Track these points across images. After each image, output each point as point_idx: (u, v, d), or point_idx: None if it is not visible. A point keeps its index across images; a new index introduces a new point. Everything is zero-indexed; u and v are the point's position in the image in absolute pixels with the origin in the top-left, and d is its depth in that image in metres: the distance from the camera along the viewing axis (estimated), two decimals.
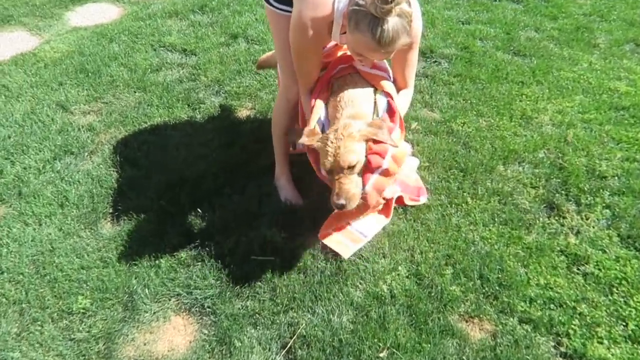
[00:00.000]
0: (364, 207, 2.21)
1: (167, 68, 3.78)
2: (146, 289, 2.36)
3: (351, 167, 2.10)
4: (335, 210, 2.25)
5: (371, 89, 2.28)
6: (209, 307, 2.31)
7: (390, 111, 2.27)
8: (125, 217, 2.70)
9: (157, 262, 2.48)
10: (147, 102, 3.46)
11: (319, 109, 2.24)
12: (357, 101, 2.21)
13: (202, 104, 3.47)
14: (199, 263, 2.48)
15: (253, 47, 4.03)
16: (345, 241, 2.51)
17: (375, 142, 2.13)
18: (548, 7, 4.64)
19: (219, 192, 2.84)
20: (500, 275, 2.41)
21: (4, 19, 4.35)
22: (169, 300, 2.35)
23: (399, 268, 2.46)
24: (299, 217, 2.69)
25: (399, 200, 2.73)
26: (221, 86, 3.62)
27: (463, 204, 2.78)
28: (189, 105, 3.45)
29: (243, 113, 3.42)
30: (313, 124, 2.21)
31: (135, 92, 3.54)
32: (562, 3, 4.73)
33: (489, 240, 2.59)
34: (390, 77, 2.37)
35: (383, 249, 2.54)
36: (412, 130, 3.29)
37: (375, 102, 2.26)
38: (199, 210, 2.72)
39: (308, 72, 2.31)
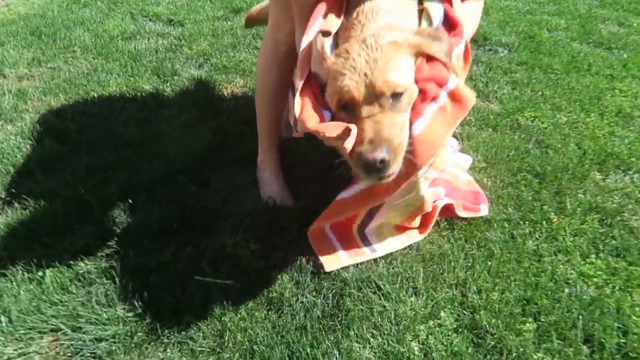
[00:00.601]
0: (404, 174, 1.22)
1: (142, 37, 2.95)
2: (2, 317, 1.39)
3: (396, 95, 1.17)
4: (353, 191, 1.40)
5: None
6: (103, 357, 1.32)
7: (449, 24, 1.32)
8: (19, 205, 1.77)
9: (40, 273, 1.52)
10: (105, 69, 2.61)
11: (317, 13, 1.29)
12: (388, 10, 1.27)
13: (176, 75, 2.59)
14: (108, 282, 1.51)
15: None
16: (338, 249, 1.54)
17: (429, 60, 1.21)
18: (632, 3, 3.70)
19: (169, 180, 1.90)
20: (622, 340, 1.35)
21: None
22: (41, 338, 1.37)
23: (441, 314, 1.43)
24: (281, 223, 1.71)
25: (447, 210, 1.73)
26: (207, 59, 2.75)
27: (543, 222, 1.75)
28: (158, 76, 2.58)
29: (229, 89, 2.52)
30: (311, 34, 1.27)
31: (93, 59, 2.71)
32: None
33: (595, 280, 1.54)
34: None
35: (414, 281, 1.52)
36: (462, 122, 2.31)
37: (423, 11, 1.31)
38: (130, 202, 1.78)
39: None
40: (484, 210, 1.76)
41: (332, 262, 1.54)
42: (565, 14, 3.48)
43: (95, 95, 2.41)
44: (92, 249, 1.60)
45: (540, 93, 2.54)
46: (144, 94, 2.44)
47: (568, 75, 2.70)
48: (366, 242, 1.61)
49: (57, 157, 1.99)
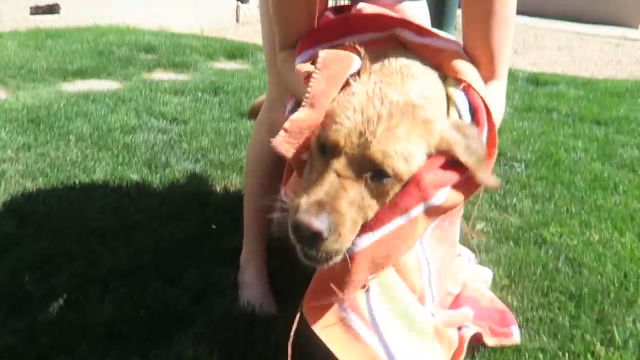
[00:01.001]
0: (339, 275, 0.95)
1: (143, 131, 2.85)
2: None
3: (383, 174, 0.90)
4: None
5: (436, 75, 1.12)
6: None
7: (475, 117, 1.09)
8: None
9: None
10: (95, 158, 2.46)
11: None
12: (422, 77, 1.07)
13: (168, 168, 2.42)
14: None
15: None
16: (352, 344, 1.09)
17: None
18: None
19: (133, 274, 1.61)
20: None
21: None
22: None
23: None
24: (258, 332, 1.37)
25: (474, 338, 1.38)
26: (204, 154, 2.61)
27: (588, 355, 1.39)
28: (149, 167, 2.41)
29: (222, 185, 2.32)
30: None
31: (86, 148, 2.57)
32: None
33: None
34: (464, 55, 1.21)
35: None
36: (478, 234, 2.05)
37: (448, 98, 1.10)
38: (79, 296, 1.47)
39: (288, 19, 1.22)
40: (515, 334, 1.42)
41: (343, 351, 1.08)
42: (581, 137, 3.36)
43: (77, 181, 2.22)
44: (12, 353, 1.26)
45: (564, 208, 2.30)
46: (129, 184, 2.24)
47: (593, 192, 2.47)
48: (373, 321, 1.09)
49: (12, 240, 1.73)
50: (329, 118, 0.95)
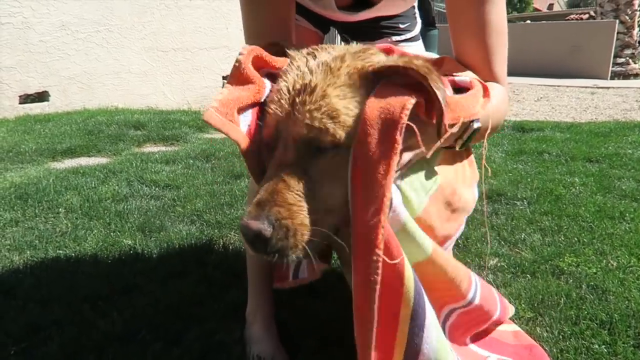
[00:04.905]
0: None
1: (135, 198, 2.78)
2: None
3: (322, 148, 0.81)
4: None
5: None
6: None
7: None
8: None
9: None
10: (86, 227, 2.36)
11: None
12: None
13: (162, 231, 2.33)
14: None
15: None
16: None
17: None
18: None
19: (129, 339, 1.47)
20: None
21: None
22: None
23: None
24: None
25: None
26: (200, 215, 2.53)
27: None
28: (143, 232, 2.31)
29: (220, 244, 2.22)
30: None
31: (76, 219, 2.48)
32: None
33: None
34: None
35: None
36: (492, 269, 1.95)
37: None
38: None
39: (257, 21, 1.16)
40: None
41: None
42: (577, 174, 3.35)
43: (67, 251, 2.11)
44: None
45: (576, 239, 2.22)
46: (122, 249, 2.14)
47: (601, 222, 2.41)
48: None
49: None
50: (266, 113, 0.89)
